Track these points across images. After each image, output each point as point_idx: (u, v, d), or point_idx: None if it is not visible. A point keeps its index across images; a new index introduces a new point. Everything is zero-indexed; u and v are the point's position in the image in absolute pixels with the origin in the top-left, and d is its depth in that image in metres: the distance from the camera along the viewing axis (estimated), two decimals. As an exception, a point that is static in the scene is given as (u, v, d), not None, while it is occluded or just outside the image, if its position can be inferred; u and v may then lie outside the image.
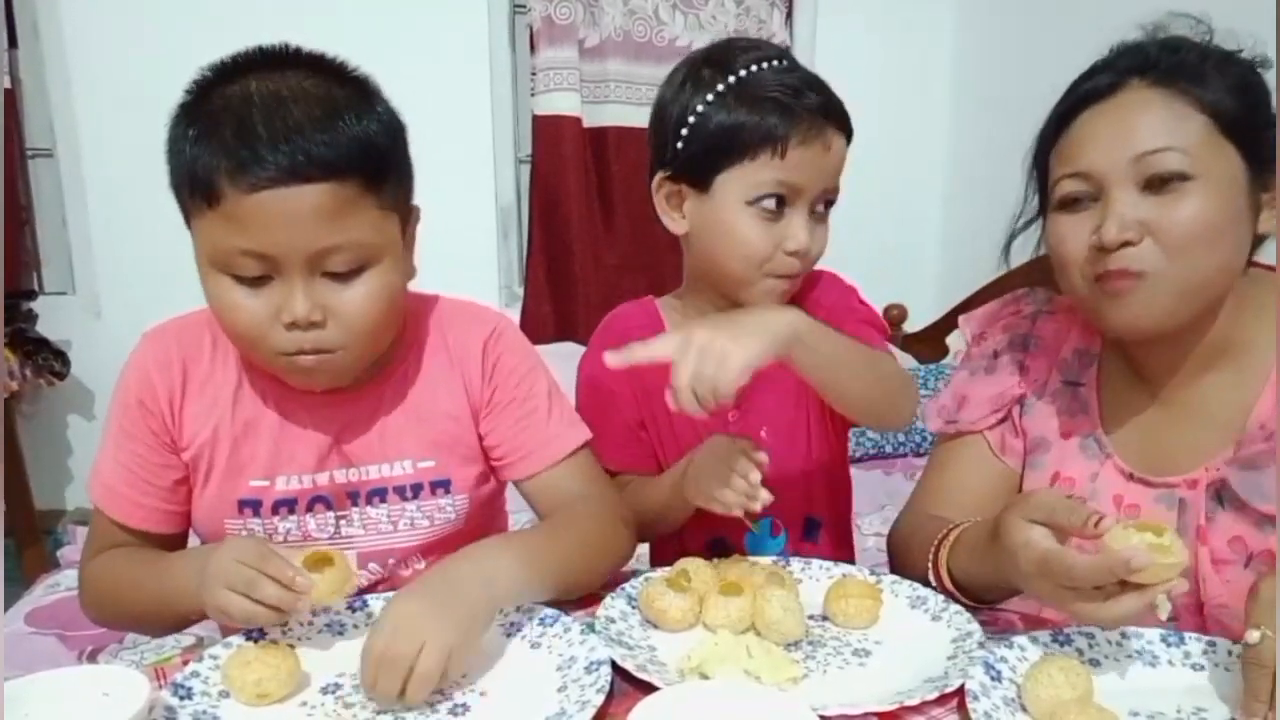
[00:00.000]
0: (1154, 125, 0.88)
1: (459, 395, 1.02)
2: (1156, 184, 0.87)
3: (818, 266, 1.09)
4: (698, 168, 1.03)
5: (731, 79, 1.01)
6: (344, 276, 0.87)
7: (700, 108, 1.02)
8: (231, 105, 0.83)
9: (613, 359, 0.86)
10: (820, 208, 1.04)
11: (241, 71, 0.86)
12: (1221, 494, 0.92)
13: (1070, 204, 0.92)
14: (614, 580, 0.96)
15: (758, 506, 0.94)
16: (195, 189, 0.83)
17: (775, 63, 1.02)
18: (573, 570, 0.93)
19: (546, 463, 1.02)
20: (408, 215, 0.94)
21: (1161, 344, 0.94)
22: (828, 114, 1.01)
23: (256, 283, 0.85)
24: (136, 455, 0.97)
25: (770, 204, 1.00)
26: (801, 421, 1.14)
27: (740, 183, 1.01)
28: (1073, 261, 0.92)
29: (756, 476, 0.93)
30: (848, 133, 1.04)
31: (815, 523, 1.17)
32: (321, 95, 0.85)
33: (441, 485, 1.02)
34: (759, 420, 1.13)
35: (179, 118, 0.86)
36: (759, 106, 0.99)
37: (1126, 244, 0.87)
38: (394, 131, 0.91)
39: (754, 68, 1.01)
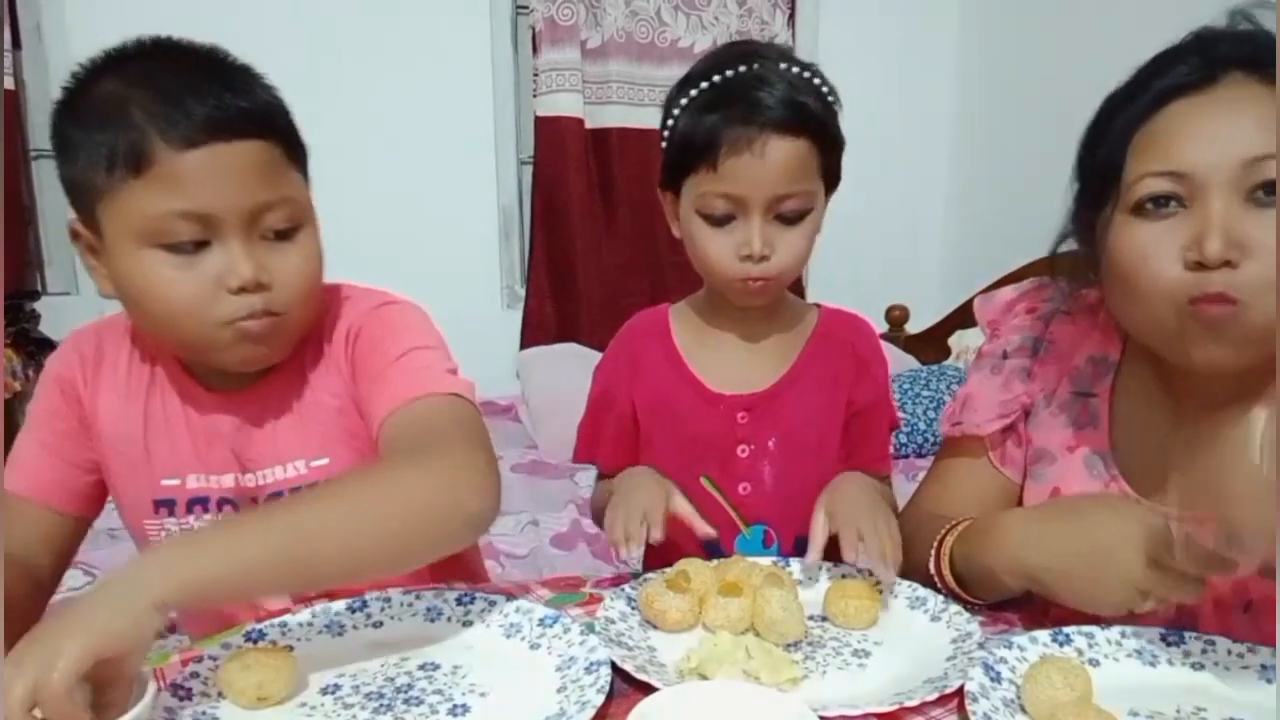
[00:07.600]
0: (1266, 127, 0.76)
1: (338, 385, 0.98)
2: (1262, 194, 0.76)
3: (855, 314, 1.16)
4: (671, 176, 1.07)
5: (694, 91, 1.02)
6: (281, 237, 0.87)
7: (670, 120, 1.06)
8: (135, 80, 0.82)
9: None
10: (785, 213, 1.01)
11: (119, 62, 0.86)
12: (1231, 536, 0.86)
13: (1152, 210, 0.80)
14: (615, 580, 0.96)
15: (631, 554, 0.93)
16: (115, 163, 0.80)
17: (746, 68, 1.00)
18: (370, 536, 0.76)
19: (385, 411, 0.90)
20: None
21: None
22: (766, 121, 0.97)
23: (193, 250, 0.83)
24: (56, 431, 0.98)
25: (716, 213, 1.02)
26: (811, 440, 1.13)
27: (691, 193, 1.04)
28: (1161, 280, 0.79)
29: (658, 535, 0.93)
30: (815, 135, 1.00)
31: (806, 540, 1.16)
32: (218, 67, 0.86)
33: None
34: (771, 428, 1.12)
35: (61, 113, 0.85)
36: (701, 119, 1.01)
37: (1226, 264, 0.75)
38: (287, 108, 0.91)
39: (717, 77, 1.01)
